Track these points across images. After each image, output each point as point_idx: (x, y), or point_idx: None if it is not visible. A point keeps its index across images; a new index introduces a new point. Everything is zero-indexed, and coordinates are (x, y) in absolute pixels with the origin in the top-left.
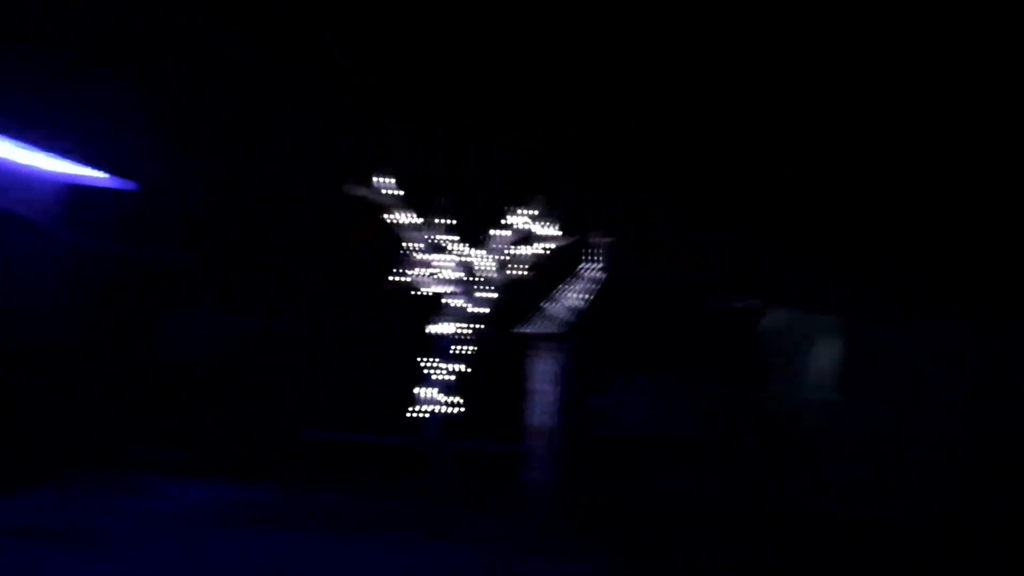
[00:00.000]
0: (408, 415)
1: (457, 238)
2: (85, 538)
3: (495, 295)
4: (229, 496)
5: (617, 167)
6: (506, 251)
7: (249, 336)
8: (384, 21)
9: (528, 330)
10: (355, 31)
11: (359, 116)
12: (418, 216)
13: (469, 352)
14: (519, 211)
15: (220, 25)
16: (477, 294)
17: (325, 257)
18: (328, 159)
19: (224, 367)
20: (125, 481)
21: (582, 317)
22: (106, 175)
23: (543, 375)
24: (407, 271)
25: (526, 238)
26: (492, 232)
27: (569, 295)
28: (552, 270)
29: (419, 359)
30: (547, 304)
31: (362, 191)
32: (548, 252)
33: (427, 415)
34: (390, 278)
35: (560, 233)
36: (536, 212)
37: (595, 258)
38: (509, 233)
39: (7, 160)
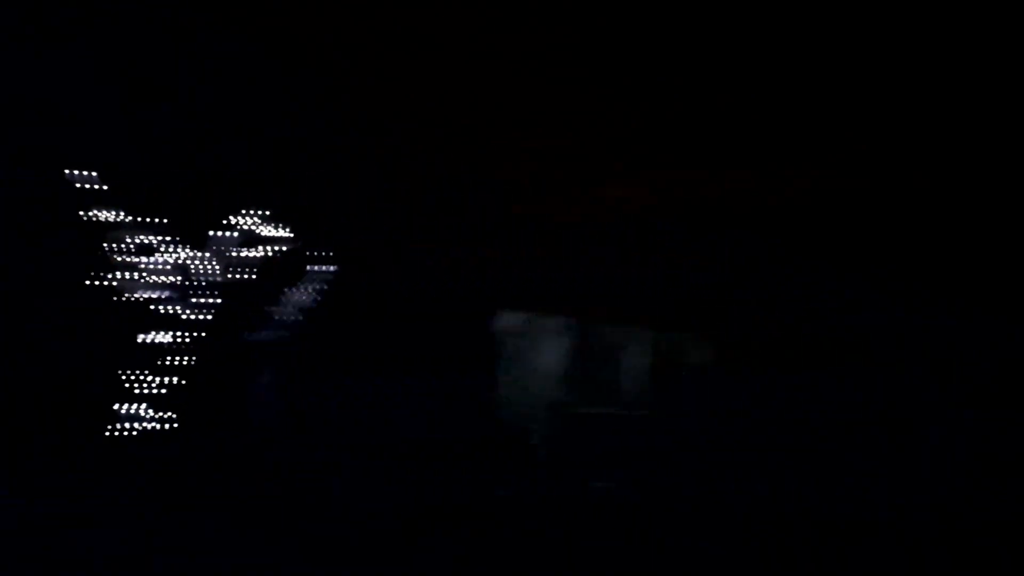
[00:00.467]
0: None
1: (173, 238)
2: None
3: (217, 300)
4: None
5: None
6: (231, 253)
7: None
8: None
9: (248, 337)
10: None
11: None
12: (125, 214)
13: (182, 362)
14: (245, 210)
15: None
16: (195, 299)
17: None
18: None
19: None
20: None
21: (306, 321)
22: None
23: (261, 384)
24: (112, 274)
25: (253, 239)
26: (214, 233)
27: (296, 297)
28: (280, 272)
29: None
30: (271, 308)
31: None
32: (276, 254)
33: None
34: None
35: (291, 235)
36: (265, 212)
37: (326, 258)
38: (235, 234)
39: None
